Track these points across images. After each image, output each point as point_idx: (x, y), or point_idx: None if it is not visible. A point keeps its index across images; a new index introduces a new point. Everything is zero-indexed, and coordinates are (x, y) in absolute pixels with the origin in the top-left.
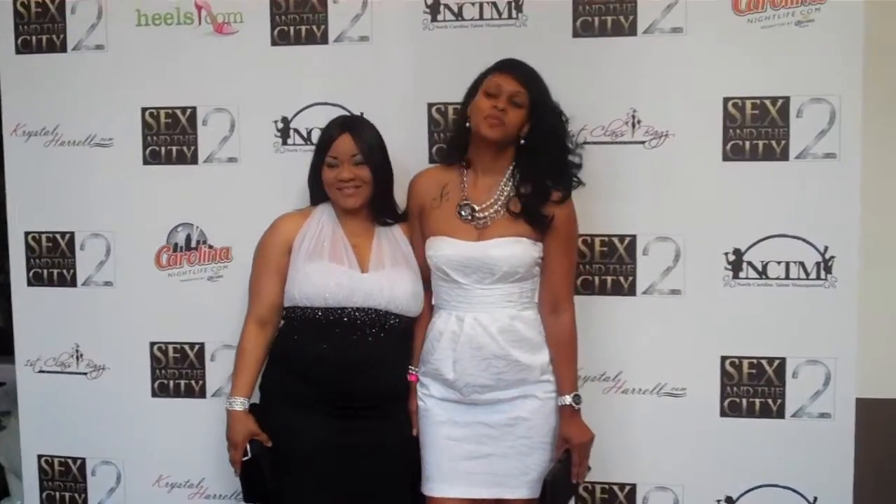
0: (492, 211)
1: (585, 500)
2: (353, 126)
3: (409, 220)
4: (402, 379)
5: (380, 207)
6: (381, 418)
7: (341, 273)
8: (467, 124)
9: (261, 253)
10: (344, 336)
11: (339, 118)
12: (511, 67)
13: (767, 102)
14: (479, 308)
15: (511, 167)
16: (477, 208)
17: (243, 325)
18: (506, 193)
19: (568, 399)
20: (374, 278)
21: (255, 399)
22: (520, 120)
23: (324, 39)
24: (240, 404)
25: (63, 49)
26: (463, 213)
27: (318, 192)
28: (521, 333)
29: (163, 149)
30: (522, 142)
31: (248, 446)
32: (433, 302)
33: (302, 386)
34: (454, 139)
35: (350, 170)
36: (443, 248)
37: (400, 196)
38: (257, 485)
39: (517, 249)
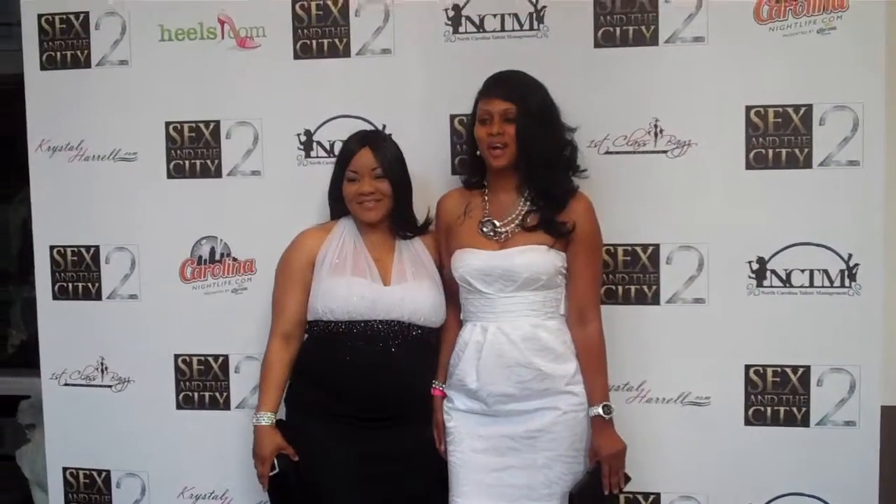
0: (512, 226)
1: None
2: (372, 140)
3: (435, 239)
4: (425, 388)
5: (400, 220)
6: (405, 428)
7: (364, 286)
8: (478, 152)
9: (284, 268)
10: (367, 348)
11: (358, 133)
12: (494, 88)
13: (790, 110)
14: (502, 317)
15: (522, 180)
16: (498, 224)
17: (268, 340)
18: (525, 209)
19: (597, 410)
20: (397, 291)
21: (280, 414)
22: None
23: (346, 52)
24: (267, 419)
25: (87, 65)
26: (485, 229)
27: (339, 207)
28: (545, 342)
29: (187, 162)
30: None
31: (275, 461)
32: (461, 316)
33: (326, 398)
34: (471, 165)
35: (370, 183)
36: (467, 259)
37: (421, 208)
38: (285, 499)
39: (538, 256)
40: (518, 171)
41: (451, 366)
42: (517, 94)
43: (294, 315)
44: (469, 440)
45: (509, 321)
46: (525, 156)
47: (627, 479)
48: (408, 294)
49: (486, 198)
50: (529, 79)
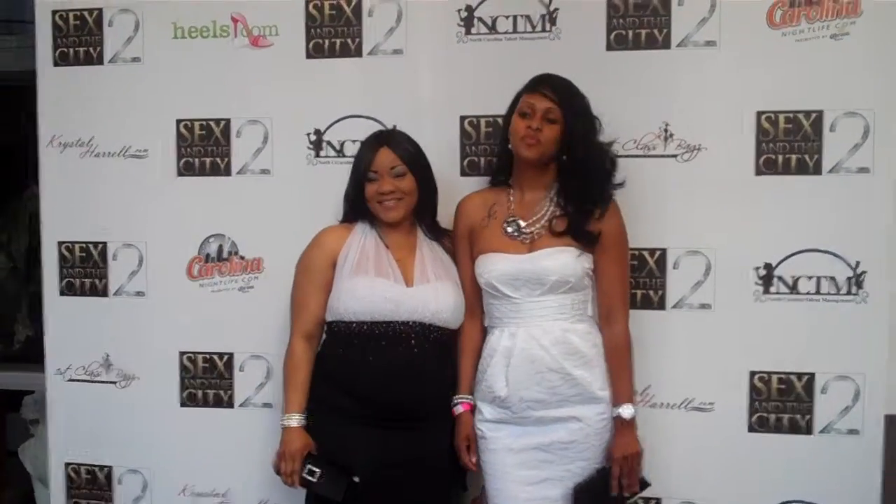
0: (538, 227)
1: None
2: (389, 139)
3: (454, 242)
4: (446, 390)
5: (425, 216)
6: (426, 430)
7: (388, 287)
8: (509, 146)
9: (305, 267)
10: (389, 348)
11: (373, 134)
12: (542, 85)
13: (801, 116)
14: (531, 322)
15: (554, 183)
16: (523, 224)
17: (291, 339)
18: (550, 210)
19: (617, 411)
20: (420, 292)
21: None
22: (556, 135)
23: (358, 52)
24: (296, 420)
25: (100, 61)
26: (509, 229)
27: (354, 210)
28: (575, 346)
29: (196, 160)
30: (564, 157)
31: (309, 464)
32: (486, 323)
33: (348, 399)
34: (499, 160)
35: (390, 182)
36: (495, 264)
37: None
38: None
39: (567, 259)
40: (549, 174)
41: (479, 373)
42: (564, 97)
43: (315, 315)
44: (502, 454)
45: (538, 325)
46: (566, 157)
47: (646, 485)
48: (430, 295)
49: (512, 196)
50: (576, 88)
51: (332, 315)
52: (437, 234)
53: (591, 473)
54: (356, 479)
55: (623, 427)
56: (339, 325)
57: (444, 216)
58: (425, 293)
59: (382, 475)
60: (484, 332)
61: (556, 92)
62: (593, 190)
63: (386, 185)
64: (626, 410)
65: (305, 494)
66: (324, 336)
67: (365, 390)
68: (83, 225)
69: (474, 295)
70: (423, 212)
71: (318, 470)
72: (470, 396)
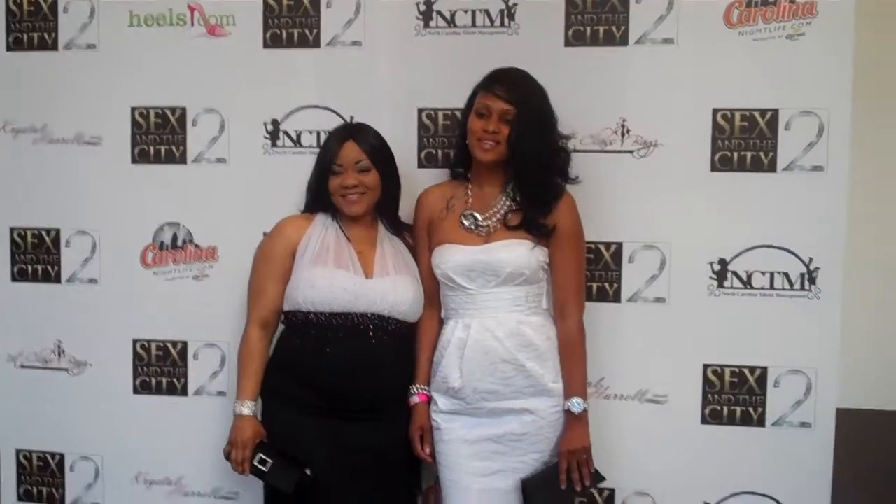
0: (494, 220)
1: None
2: (355, 133)
3: (414, 235)
4: (403, 381)
5: (386, 210)
6: (383, 421)
7: (347, 279)
8: (467, 141)
9: (264, 255)
10: (347, 340)
11: (340, 127)
12: (499, 84)
13: (756, 114)
14: (485, 313)
15: (511, 178)
16: (480, 217)
17: (246, 326)
18: (507, 204)
19: (567, 404)
20: (379, 284)
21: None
22: (512, 135)
23: (316, 43)
24: (248, 408)
25: (54, 47)
26: (466, 221)
27: (317, 201)
28: (529, 338)
29: (151, 148)
30: (518, 155)
31: (260, 453)
32: (442, 315)
33: (303, 390)
34: (457, 153)
35: (354, 176)
36: (451, 255)
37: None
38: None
39: (522, 251)
40: (505, 169)
41: (434, 365)
42: (520, 96)
43: (273, 303)
44: (456, 445)
45: (493, 317)
46: (517, 160)
47: (601, 478)
48: (389, 287)
49: (470, 190)
50: (533, 82)
51: (289, 305)
52: (398, 228)
53: (540, 467)
54: (308, 473)
55: (572, 421)
56: (297, 316)
57: (401, 207)
58: (384, 285)
59: (337, 466)
60: (442, 325)
61: (513, 91)
62: (546, 184)
63: (350, 179)
64: (575, 404)
65: (263, 484)
66: (280, 326)
67: (322, 381)
68: (36, 211)
69: (433, 287)
70: (386, 206)
71: (269, 460)
72: (426, 387)
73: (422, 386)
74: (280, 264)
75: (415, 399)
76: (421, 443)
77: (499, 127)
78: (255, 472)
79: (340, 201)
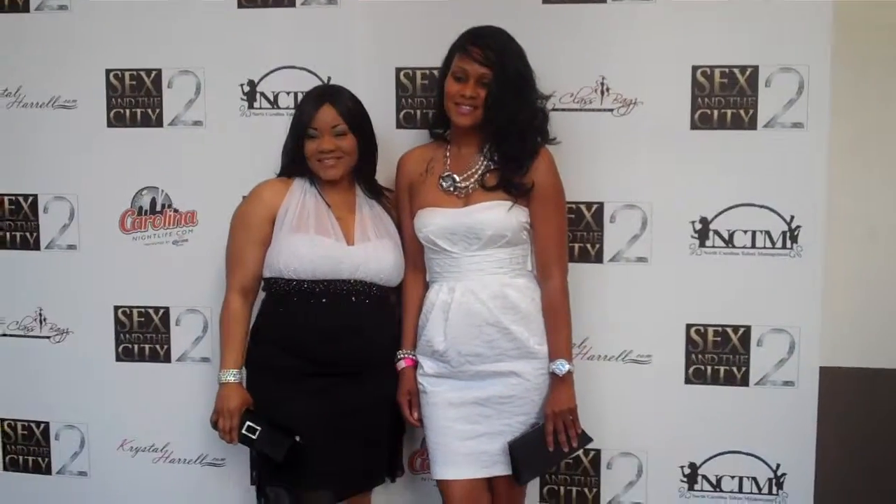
0: (472, 181)
1: None
2: (332, 96)
3: (396, 198)
4: (387, 344)
5: (363, 175)
6: (366, 382)
7: (329, 245)
8: (444, 103)
9: (242, 222)
10: (330, 306)
11: (316, 89)
12: (475, 45)
13: (736, 71)
14: (469, 276)
15: (488, 138)
16: (458, 178)
17: (226, 294)
18: (484, 165)
19: (552, 366)
20: (361, 250)
21: None
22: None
23: (291, 2)
24: (233, 376)
25: (26, 9)
26: (444, 183)
27: (296, 166)
28: (513, 301)
29: (127, 111)
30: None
31: (248, 421)
32: (427, 278)
33: (288, 357)
34: (436, 114)
35: (331, 141)
36: (432, 218)
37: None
38: (273, 452)
39: (501, 212)
40: (483, 130)
41: (419, 329)
42: (497, 59)
43: (253, 270)
44: (442, 408)
45: (477, 279)
46: (493, 122)
47: (588, 439)
48: (371, 253)
49: (448, 152)
50: (510, 42)
51: (270, 272)
52: (376, 192)
53: (527, 429)
54: (297, 439)
55: (557, 382)
56: (279, 283)
57: (381, 170)
58: (366, 251)
59: (322, 429)
60: (427, 288)
61: (490, 53)
62: (524, 144)
63: (326, 144)
64: (559, 366)
65: (250, 450)
66: (261, 293)
67: (305, 348)
68: (12, 177)
69: (417, 251)
70: (363, 171)
71: (258, 428)
72: (412, 352)
73: (408, 351)
74: (259, 230)
75: (401, 364)
76: (409, 408)
77: (476, 91)
78: (244, 441)
79: (317, 166)
